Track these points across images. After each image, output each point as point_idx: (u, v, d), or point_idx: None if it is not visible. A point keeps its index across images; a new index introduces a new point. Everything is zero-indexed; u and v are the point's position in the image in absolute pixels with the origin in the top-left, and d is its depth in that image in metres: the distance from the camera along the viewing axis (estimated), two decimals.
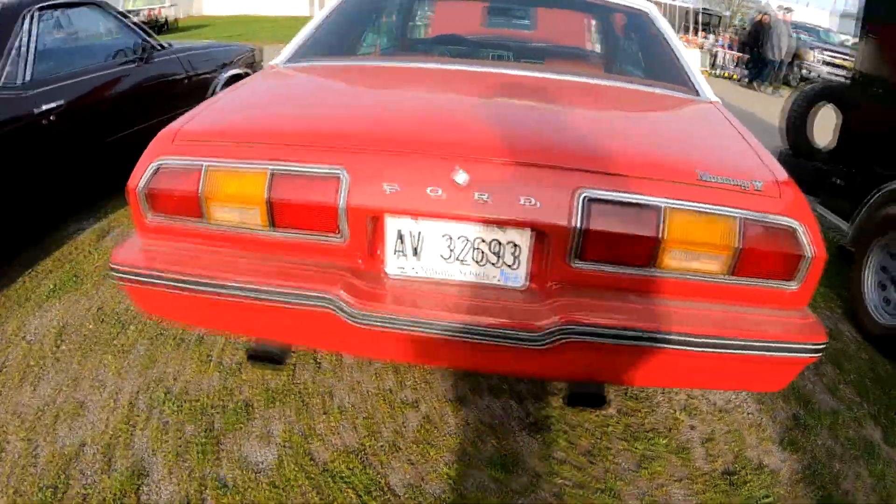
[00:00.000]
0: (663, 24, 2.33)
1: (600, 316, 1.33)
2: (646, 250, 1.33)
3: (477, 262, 1.40)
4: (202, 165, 1.40)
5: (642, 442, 1.94)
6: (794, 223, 1.34)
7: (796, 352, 1.38)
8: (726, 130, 1.73)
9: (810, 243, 1.34)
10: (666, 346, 1.33)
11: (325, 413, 1.96)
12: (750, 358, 1.38)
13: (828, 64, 12.77)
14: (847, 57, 12.57)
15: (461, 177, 1.29)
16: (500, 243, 1.38)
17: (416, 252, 1.41)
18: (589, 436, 1.95)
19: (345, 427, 1.91)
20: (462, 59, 2.35)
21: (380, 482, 1.72)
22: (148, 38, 3.61)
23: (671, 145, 1.61)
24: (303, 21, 2.92)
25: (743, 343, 1.35)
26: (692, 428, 2.03)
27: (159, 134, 1.51)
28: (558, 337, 1.31)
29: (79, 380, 2.07)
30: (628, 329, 1.32)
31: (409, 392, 2.08)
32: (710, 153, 1.59)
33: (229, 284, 1.37)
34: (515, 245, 1.38)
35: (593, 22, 3.52)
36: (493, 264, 1.40)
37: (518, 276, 1.41)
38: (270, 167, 1.36)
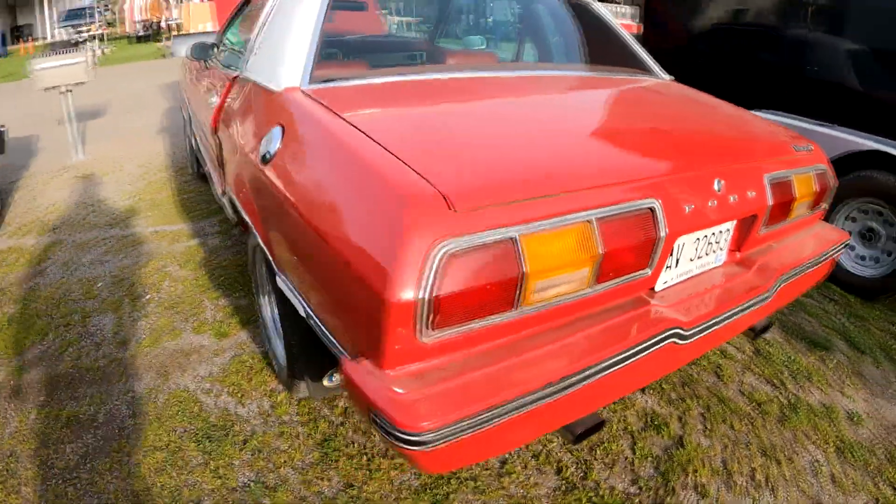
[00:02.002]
0: (604, 11, 2.53)
1: (791, 259, 1.66)
2: (787, 209, 1.68)
3: (707, 254, 1.56)
4: (512, 235, 1.09)
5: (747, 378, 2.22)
6: (824, 167, 1.84)
7: (846, 246, 1.92)
8: (728, 105, 2.12)
9: (833, 176, 1.87)
10: (815, 266, 1.75)
11: (502, 479, 1.75)
12: (831, 259, 1.85)
13: None
14: None
15: (718, 185, 1.44)
16: (722, 232, 1.56)
17: (677, 262, 1.48)
18: (719, 405, 2.15)
19: (539, 471, 1.74)
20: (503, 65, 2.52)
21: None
22: None
23: (753, 127, 1.96)
24: None
25: (836, 249, 1.84)
26: (753, 357, 2.39)
27: (409, 207, 1.04)
28: (778, 286, 1.58)
29: None
30: (810, 259, 1.71)
31: None
32: (770, 129, 1.99)
33: (580, 373, 1.14)
34: (728, 231, 1.58)
35: None
36: (714, 252, 1.58)
37: (721, 256, 1.62)
38: (590, 215, 1.19)
